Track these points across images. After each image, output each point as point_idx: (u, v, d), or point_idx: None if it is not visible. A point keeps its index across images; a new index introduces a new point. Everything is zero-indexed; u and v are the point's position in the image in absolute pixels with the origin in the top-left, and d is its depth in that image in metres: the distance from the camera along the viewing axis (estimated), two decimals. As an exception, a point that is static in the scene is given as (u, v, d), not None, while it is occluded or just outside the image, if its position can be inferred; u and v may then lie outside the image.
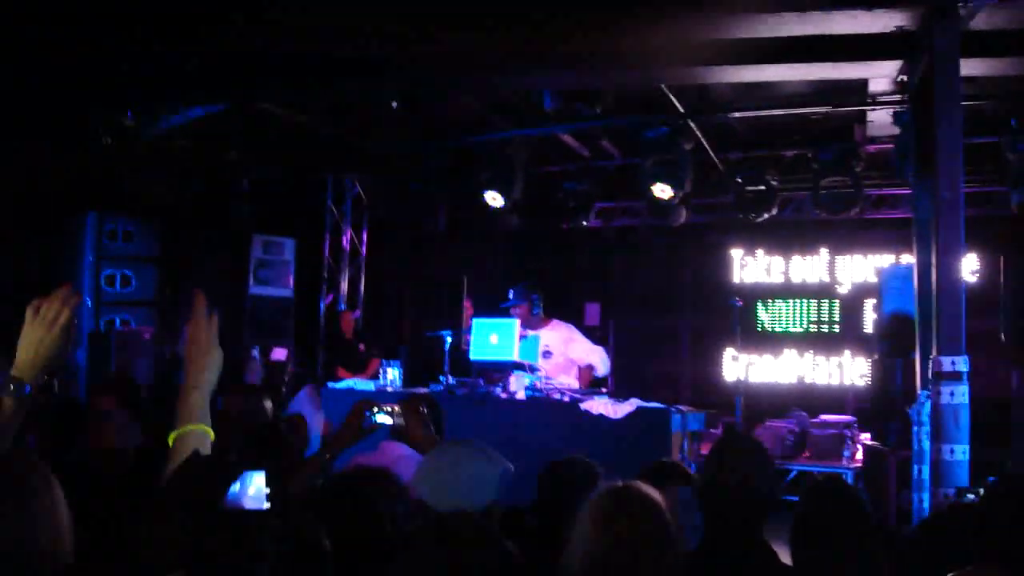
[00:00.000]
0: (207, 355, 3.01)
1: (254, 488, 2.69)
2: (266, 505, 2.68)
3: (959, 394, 6.29)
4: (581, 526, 3.20)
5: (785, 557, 3.81)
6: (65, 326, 2.88)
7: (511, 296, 10.17)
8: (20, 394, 2.83)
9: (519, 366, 9.68)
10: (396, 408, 4.95)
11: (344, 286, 13.23)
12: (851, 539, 3.68)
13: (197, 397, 2.97)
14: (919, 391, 6.80)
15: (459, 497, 3.89)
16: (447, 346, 10.07)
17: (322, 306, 13.08)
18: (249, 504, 2.65)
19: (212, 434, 2.95)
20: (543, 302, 10.19)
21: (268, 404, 5.62)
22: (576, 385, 9.84)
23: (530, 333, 10.10)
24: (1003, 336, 8.21)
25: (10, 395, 2.82)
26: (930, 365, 6.44)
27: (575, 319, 10.82)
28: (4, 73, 8.14)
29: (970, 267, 11.02)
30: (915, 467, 6.78)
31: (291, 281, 12.22)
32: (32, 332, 2.88)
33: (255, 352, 10.93)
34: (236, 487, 2.65)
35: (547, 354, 10.10)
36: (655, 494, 3.29)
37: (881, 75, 7.72)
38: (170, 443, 2.89)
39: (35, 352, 2.88)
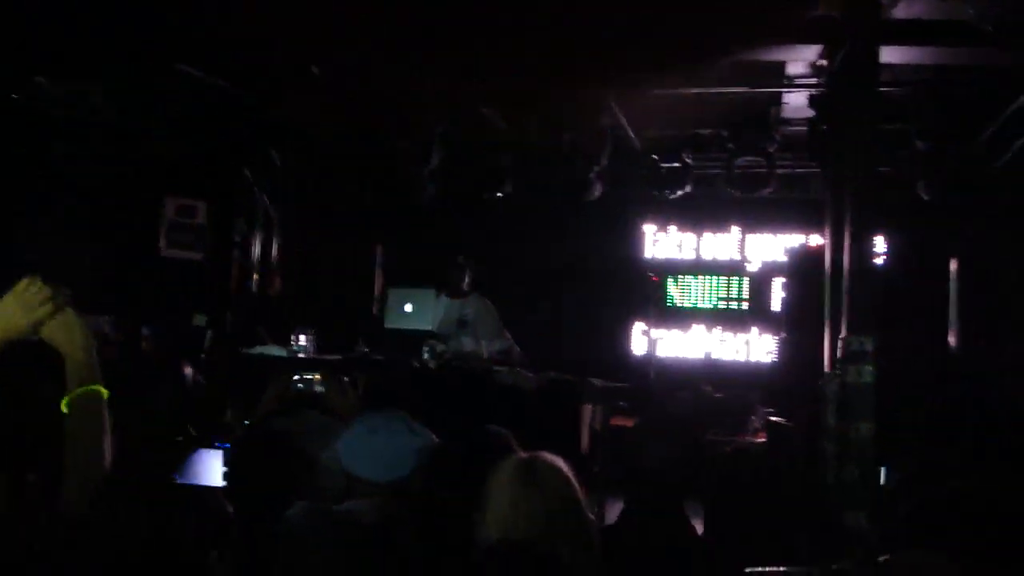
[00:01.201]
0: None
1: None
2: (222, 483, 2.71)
3: (866, 373, 6.48)
4: (493, 497, 3.26)
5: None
6: (39, 318, 2.90)
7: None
8: None
9: (433, 335, 9.73)
10: (318, 376, 4.97)
11: (256, 250, 13.11)
12: (763, 507, 3.78)
13: (85, 356, 2.97)
14: (827, 369, 6.96)
15: (381, 466, 3.93)
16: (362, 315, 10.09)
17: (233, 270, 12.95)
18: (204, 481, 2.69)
19: (106, 392, 2.95)
20: (471, 274, 10.32)
21: (188, 371, 5.59)
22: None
23: (452, 301, 10.22)
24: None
25: None
26: (840, 345, 6.61)
27: (487, 291, 10.85)
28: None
29: (877, 249, 11.26)
30: (823, 444, 6.96)
31: (203, 245, 12.08)
32: (10, 305, 2.89)
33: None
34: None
35: (463, 324, 10.16)
36: (563, 464, 3.35)
37: (800, 59, 7.87)
38: (64, 408, 2.88)
39: (4, 326, 2.88)
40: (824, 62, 7.55)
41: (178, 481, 2.76)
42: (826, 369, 7.02)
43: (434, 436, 4.11)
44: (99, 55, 9.05)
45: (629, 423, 8.65)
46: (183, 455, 2.81)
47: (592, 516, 3.37)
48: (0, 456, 3.09)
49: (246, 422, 4.90)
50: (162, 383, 5.18)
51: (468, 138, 11.70)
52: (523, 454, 3.42)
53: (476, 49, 8.07)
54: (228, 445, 2.86)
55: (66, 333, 2.95)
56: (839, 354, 6.59)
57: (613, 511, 4.81)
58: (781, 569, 3.40)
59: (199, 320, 11.06)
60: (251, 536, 2.99)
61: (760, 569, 3.39)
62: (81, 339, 2.97)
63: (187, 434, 4.19)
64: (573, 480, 3.31)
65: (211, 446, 2.87)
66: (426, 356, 9.42)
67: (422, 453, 4.01)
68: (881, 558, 2.71)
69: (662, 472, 3.99)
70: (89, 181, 10.89)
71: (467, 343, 9.99)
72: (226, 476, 3.74)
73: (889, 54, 7.09)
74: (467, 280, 10.50)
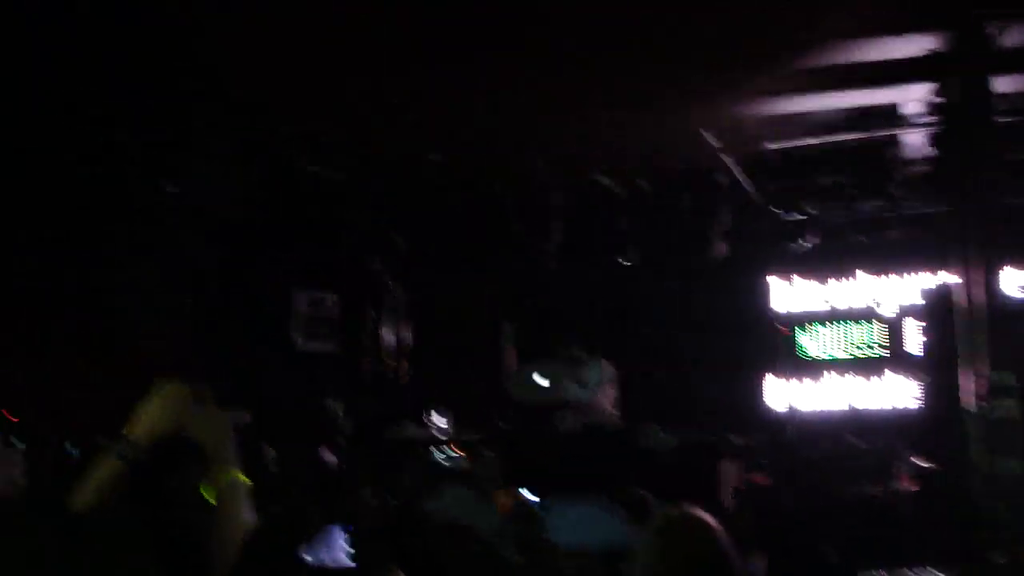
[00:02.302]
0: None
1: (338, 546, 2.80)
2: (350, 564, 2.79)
3: (1011, 408, 6.32)
4: (643, 551, 3.28)
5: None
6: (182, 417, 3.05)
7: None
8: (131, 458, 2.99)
9: (566, 403, 9.77)
10: (460, 452, 5.05)
11: (390, 337, 13.30)
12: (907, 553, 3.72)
13: (226, 447, 3.11)
14: (971, 407, 6.81)
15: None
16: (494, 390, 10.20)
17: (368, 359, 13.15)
18: (332, 562, 2.76)
19: (246, 480, 3.08)
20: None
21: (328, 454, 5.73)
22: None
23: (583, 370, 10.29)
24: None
25: (124, 457, 2.97)
26: (979, 381, 6.48)
27: (622, 356, 10.89)
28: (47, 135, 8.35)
29: (1019, 282, 10.97)
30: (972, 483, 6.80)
31: (336, 335, 12.32)
32: (156, 407, 3.05)
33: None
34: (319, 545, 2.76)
35: (593, 389, 10.21)
36: (709, 517, 3.36)
37: (913, 98, 7.79)
38: (209, 496, 3.01)
39: (152, 427, 3.04)
40: (939, 99, 7.47)
41: (307, 560, 2.84)
42: (969, 408, 6.87)
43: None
44: (221, 150, 9.35)
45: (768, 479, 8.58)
46: (310, 534, 2.91)
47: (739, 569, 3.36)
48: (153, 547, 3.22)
49: (392, 502, 4.98)
50: (302, 468, 5.32)
51: (587, 208, 11.78)
52: (675, 509, 3.44)
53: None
54: (352, 527, 2.95)
55: (210, 427, 3.10)
56: (983, 390, 6.45)
57: (759, 568, 4.78)
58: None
59: (337, 407, 11.25)
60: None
61: None
62: (222, 432, 3.11)
63: (318, 515, 4.30)
64: (720, 533, 3.31)
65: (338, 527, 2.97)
66: (562, 426, 9.46)
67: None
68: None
69: (799, 522, 3.98)
70: (222, 279, 11.22)
71: (599, 409, 10.02)
72: (355, 556, 3.83)
73: (1005, 83, 6.99)
74: (593, 348, 10.53)
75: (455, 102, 7.89)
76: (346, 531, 2.96)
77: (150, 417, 3.09)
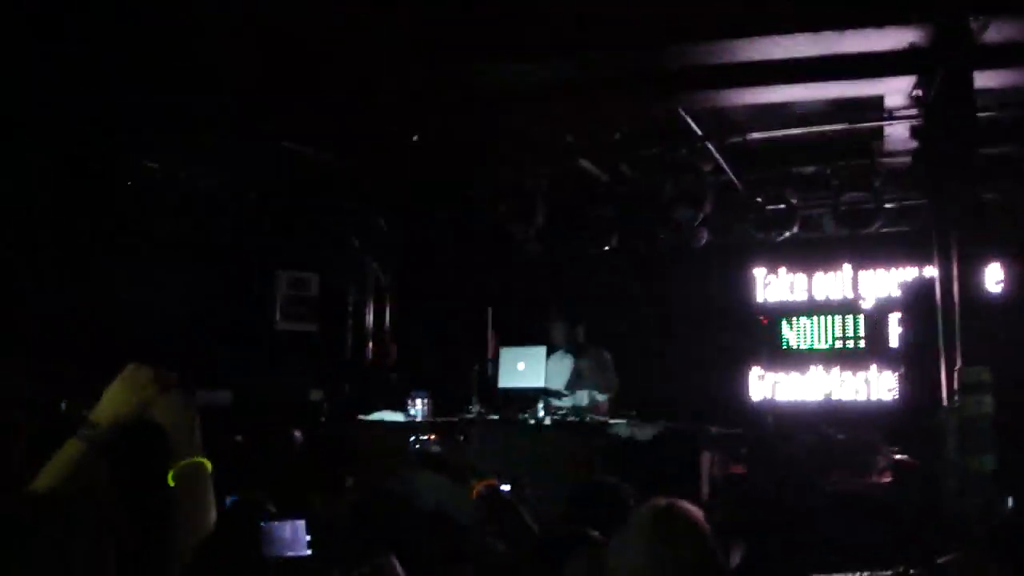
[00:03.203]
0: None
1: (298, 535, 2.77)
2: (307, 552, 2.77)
3: (985, 404, 6.32)
4: (629, 548, 3.25)
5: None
6: (146, 400, 3.03)
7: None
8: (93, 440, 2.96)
9: (546, 392, 9.76)
10: (433, 437, 5.02)
11: (370, 319, 13.30)
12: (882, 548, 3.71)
13: (189, 432, 3.08)
14: (948, 401, 6.82)
15: None
16: (475, 376, 10.18)
17: (349, 341, 13.15)
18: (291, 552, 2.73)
19: (209, 465, 3.06)
20: (584, 328, 10.41)
21: (298, 435, 5.71)
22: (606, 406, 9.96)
23: (565, 356, 10.28)
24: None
25: (84, 438, 2.95)
26: (956, 376, 6.48)
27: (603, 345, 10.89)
28: (29, 118, 8.31)
29: (994, 277, 11.01)
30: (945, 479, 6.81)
31: (317, 316, 12.31)
32: (119, 389, 3.03)
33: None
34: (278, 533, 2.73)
35: (579, 377, 10.22)
36: (699, 514, 3.34)
37: (896, 91, 7.79)
38: (170, 481, 2.99)
39: (115, 409, 3.02)
40: (920, 92, 7.47)
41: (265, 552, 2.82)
42: (944, 402, 6.88)
43: None
44: (206, 132, 9.32)
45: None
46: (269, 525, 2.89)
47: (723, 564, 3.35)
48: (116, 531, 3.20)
49: (365, 486, 4.97)
50: (272, 448, 5.30)
51: (570, 193, 11.76)
52: (661, 501, 3.41)
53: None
54: (312, 517, 2.92)
55: (172, 412, 3.07)
56: (955, 386, 6.45)
57: (735, 558, 4.76)
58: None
59: (315, 395, 11.25)
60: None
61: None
62: (186, 417, 3.08)
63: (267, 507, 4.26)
64: (706, 527, 3.30)
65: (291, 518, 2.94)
66: (541, 413, 9.45)
67: None
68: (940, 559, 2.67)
69: (777, 512, 3.97)
70: (202, 259, 11.19)
71: (581, 397, 10.03)
72: (340, 536, 3.80)
73: (986, 78, 6.99)
74: (581, 334, 10.57)
75: (435, 83, 7.85)
76: (307, 521, 2.93)
77: (113, 399, 3.06)
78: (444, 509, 4.77)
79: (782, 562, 3.96)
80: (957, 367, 6.45)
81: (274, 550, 2.71)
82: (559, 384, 10.19)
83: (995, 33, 6.49)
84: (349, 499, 4.80)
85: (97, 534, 2.48)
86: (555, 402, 9.74)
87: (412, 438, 4.88)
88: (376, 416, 10.00)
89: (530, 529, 4.47)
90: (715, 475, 8.94)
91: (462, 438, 5.19)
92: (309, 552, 2.86)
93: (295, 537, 2.74)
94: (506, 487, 4.59)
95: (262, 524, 2.73)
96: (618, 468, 5.97)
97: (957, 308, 6.50)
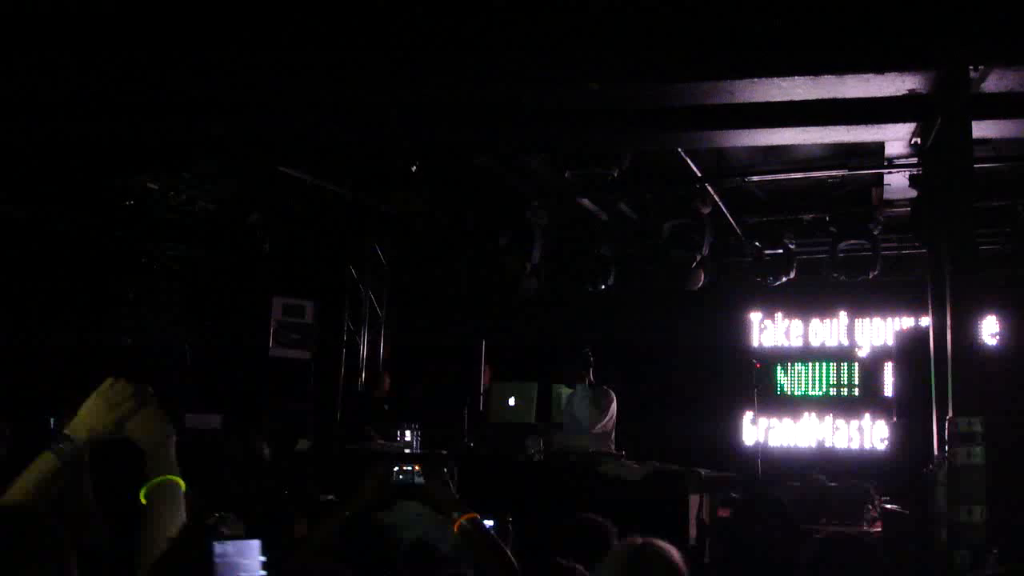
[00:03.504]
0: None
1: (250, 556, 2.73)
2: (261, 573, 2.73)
3: (976, 454, 6.27)
4: None
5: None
6: (123, 415, 3.02)
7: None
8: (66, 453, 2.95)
9: (535, 428, 9.72)
10: (417, 468, 4.96)
11: (364, 348, 13.28)
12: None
13: (163, 450, 3.06)
14: (939, 453, 6.77)
15: None
16: (466, 409, 10.15)
17: (342, 369, 13.12)
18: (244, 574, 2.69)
19: (183, 485, 3.03)
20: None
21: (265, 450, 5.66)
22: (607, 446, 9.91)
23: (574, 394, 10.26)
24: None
25: (57, 452, 2.94)
26: (947, 426, 6.43)
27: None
28: (26, 138, 8.31)
29: (990, 329, 10.97)
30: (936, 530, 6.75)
31: (311, 343, 12.28)
32: (96, 403, 3.01)
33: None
34: (228, 555, 2.69)
35: (582, 415, 10.19)
36: (674, 551, 3.33)
37: (895, 138, 7.77)
38: (142, 498, 2.97)
39: (90, 424, 3.00)
40: (919, 140, 7.46)
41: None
42: (935, 453, 6.83)
43: None
44: (205, 157, 9.33)
45: (736, 512, 8.52)
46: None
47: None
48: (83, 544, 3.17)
49: (346, 513, 4.90)
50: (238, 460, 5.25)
51: (569, 231, 11.77)
52: (637, 539, 3.42)
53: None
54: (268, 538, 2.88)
55: (147, 429, 3.05)
56: (946, 436, 6.40)
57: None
58: None
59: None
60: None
61: None
62: (160, 434, 3.06)
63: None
64: (683, 567, 3.30)
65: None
66: (531, 450, 9.40)
67: None
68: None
69: (763, 554, 3.96)
70: (198, 283, 11.19)
71: (573, 435, 9.98)
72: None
73: (985, 128, 6.98)
74: (591, 371, 10.52)
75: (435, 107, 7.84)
76: (262, 541, 2.88)
77: (89, 413, 3.04)
78: (426, 540, 4.73)
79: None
80: (948, 417, 6.40)
81: (226, 572, 2.67)
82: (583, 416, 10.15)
83: (995, 82, 6.49)
84: (333, 524, 4.73)
85: (53, 548, 2.45)
86: (543, 440, 9.69)
87: (396, 468, 4.83)
88: (365, 446, 9.96)
89: (512, 565, 4.43)
90: (703, 518, 8.88)
91: (446, 471, 5.11)
92: (263, 574, 2.82)
93: (248, 559, 2.70)
94: (489, 522, 4.55)
95: (215, 545, 2.69)
96: (605, 508, 5.92)
97: (950, 358, 6.45)
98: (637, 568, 3.26)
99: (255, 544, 2.75)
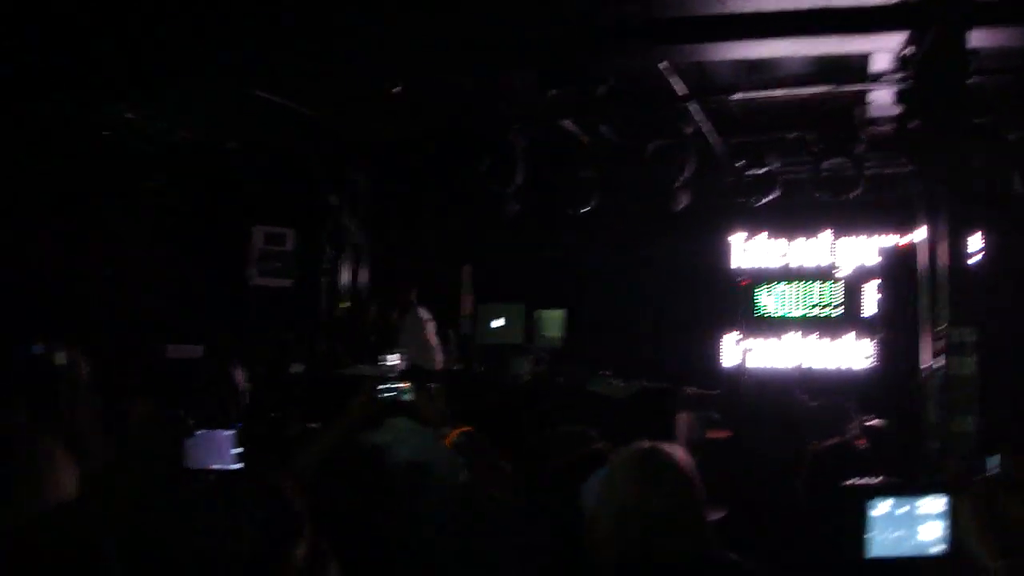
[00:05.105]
0: None
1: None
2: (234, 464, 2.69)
3: (968, 365, 6.30)
4: (611, 489, 3.24)
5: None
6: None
7: None
8: None
9: (524, 349, 9.71)
10: (405, 385, 4.92)
11: (346, 276, 13.18)
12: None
13: None
14: (930, 364, 6.80)
15: None
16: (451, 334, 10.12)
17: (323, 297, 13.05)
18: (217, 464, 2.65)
19: None
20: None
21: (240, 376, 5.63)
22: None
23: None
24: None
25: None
26: (938, 340, 6.46)
27: (576, 303, 10.85)
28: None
29: (980, 244, 10.99)
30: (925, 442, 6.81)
31: (292, 272, 12.20)
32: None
33: None
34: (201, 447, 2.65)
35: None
36: (681, 451, 3.34)
37: (885, 49, 7.69)
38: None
39: None
40: (910, 51, 7.37)
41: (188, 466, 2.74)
42: (923, 366, 6.86)
43: None
44: (182, 83, 9.19)
45: (725, 435, 8.54)
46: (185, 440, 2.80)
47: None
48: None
49: (336, 432, 4.87)
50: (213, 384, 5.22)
51: (550, 153, 11.66)
52: (645, 443, 3.41)
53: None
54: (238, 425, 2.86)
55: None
56: (940, 347, 6.42)
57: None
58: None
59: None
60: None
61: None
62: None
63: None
64: (692, 468, 3.31)
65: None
66: (518, 370, 9.40)
67: None
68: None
69: (756, 475, 4.00)
70: (178, 213, 11.08)
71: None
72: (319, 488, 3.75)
73: (977, 38, 6.90)
74: None
75: (420, 38, 7.74)
76: (234, 432, 2.85)
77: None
78: (418, 456, 4.69)
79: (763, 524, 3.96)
80: (941, 328, 6.43)
81: (199, 462, 2.63)
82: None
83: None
84: (321, 447, 4.69)
85: None
86: (532, 359, 9.69)
87: (383, 386, 4.78)
88: (353, 371, 9.91)
89: (506, 473, 4.42)
90: (691, 438, 8.90)
91: (433, 387, 5.09)
92: (238, 465, 2.78)
93: (221, 448, 2.66)
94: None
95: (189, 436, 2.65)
96: (593, 427, 5.92)
97: (947, 273, 6.46)
98: (648, 471, 3.25)
99: (228, 435, 2.72)
